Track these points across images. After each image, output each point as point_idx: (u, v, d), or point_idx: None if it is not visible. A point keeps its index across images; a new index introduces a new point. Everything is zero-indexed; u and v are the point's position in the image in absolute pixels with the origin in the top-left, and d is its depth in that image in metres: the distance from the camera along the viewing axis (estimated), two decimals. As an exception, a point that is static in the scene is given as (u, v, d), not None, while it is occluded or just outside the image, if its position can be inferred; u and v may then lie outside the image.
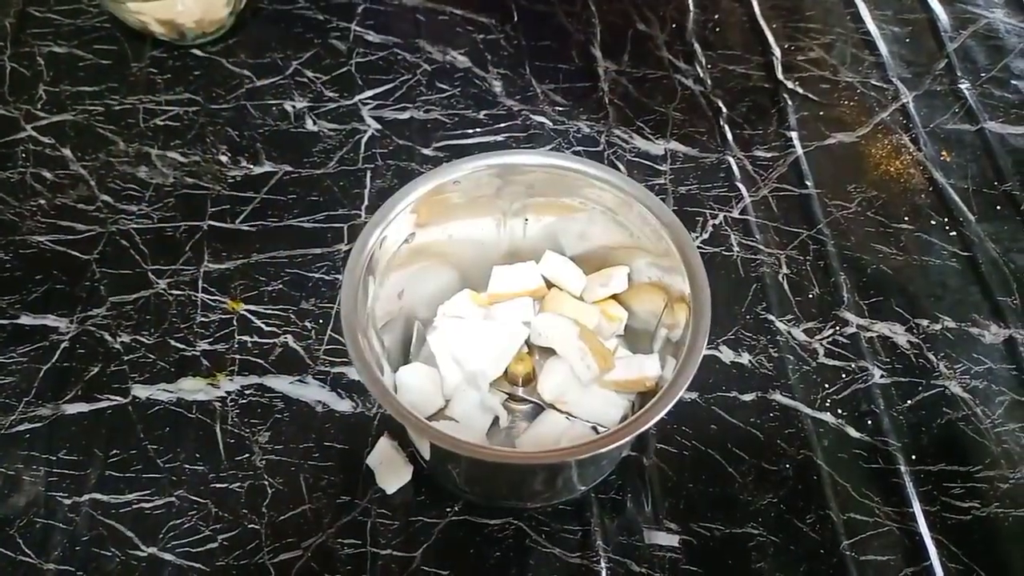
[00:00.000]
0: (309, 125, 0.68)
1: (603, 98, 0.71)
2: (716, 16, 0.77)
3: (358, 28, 0.75)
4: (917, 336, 0.59)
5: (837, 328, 0.59)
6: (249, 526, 0.50)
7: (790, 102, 0.71)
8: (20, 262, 0.60)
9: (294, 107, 0.69)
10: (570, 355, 0.47)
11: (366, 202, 0.64)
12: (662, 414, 0.39)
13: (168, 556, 0.49)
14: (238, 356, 0.56)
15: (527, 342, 0.51)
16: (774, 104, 0.71)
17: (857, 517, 0.51)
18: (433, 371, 0.49)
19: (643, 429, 0.38)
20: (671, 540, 0.50)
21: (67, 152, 0.66)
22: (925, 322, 0.59)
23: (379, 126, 0.68)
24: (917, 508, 0.52)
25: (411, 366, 0.49)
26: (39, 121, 0.68)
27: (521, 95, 0.71)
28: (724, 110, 0.71)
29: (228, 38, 0.74)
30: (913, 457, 0.54)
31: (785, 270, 0.62)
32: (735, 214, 0.64)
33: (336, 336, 0.57)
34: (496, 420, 0.49)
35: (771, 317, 0.59)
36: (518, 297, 0.51)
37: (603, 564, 0.49)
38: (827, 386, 0.56)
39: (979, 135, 0.70)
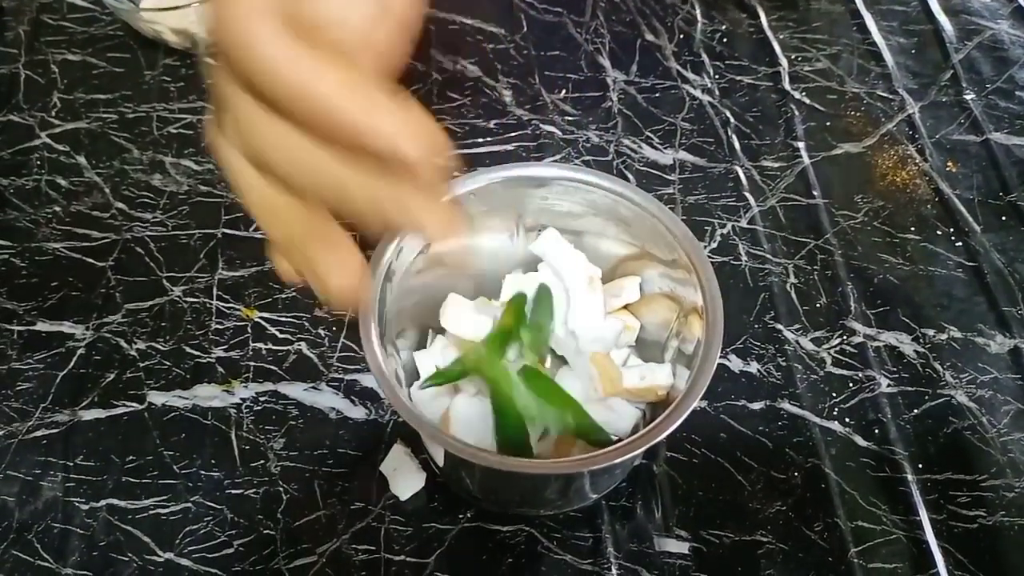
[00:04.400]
0: (321, 134, 0.69)
1: (612, 108, 0.72)
2: (724, 27, 0.78)
3: (369, 37, 0.76)
4: (923, 346, 0.60)
5: (844, 337, 0.60)
6: (264, 532, 0.51)
7: (797, 112, 0.72)
8: (36, 269, 0.61)
9: (306, 116, 0.70)
10: (580, 374, 0.48)
11: (378, 210, 0.64)
12: (677, 424, 0.39)
13: (184, 561, 0.50)
14: (253, 363, 0.57)
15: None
16: (781, 114, 0.72)
17: (865, 525, 0.52)
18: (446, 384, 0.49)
19: (659, 439, 0.39)
20: (681, 547, 0.51)
21: (82, 160, 0.67)
22: (931, 332, 0.60)
23: (390, 135, 0.69)
24: (924, 516, 0.52)
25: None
26: (53, 129, 0.69)
27: (531, 104, 0.72)
28: (732, 120, 0.71)
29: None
30: (920, 466, 0.54)
31: (793, 279, 0.62)
32: (743, 224, 0.65)
33: (349, 344, 0.58)
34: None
35: (779, 326, 0.60)
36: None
37: (614, 571, 0.50)
38: (835, 395, 0.57)
39: (984, 146, 0.71)
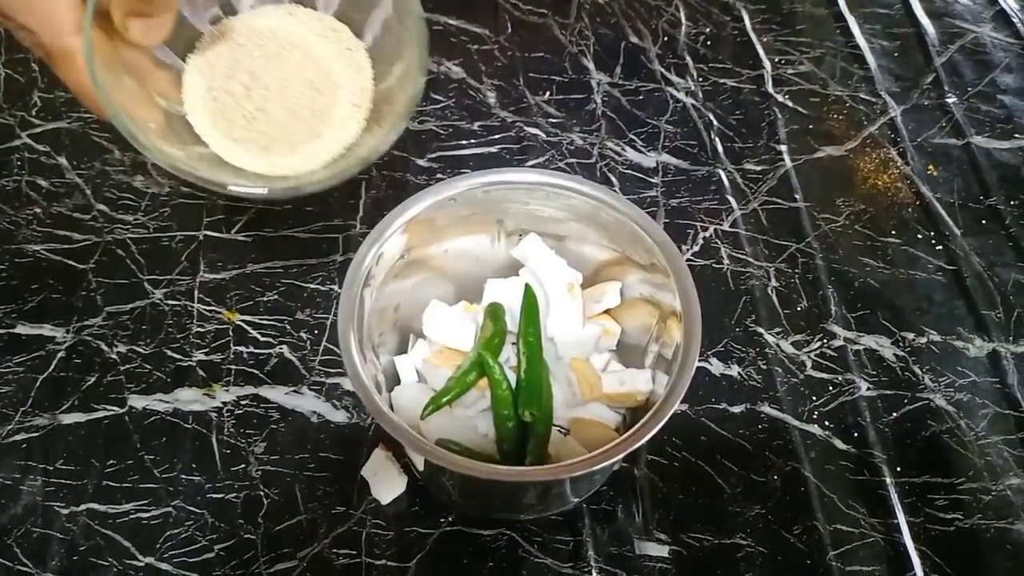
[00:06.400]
0: (304, 135, 0.69)
1: (596, 110, 0.72)
2: (708, 29, 0.78)
3: (353, 38, 0.75)
4: (903, 349, 0.60)
5: (825, 341, 0.60)
6: (245, 536, 0.51)
7: (780, 115, 0.72)
8: (16, 271, 0.60)
9: (289, 117, 0.70)
10: (559, 379, 0.48)
11: (361, 213, 0.64)
12: (655, 430, 0.40)
13: (165, 566, 0.50)
14: (234, 367, 0.57)
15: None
16: (764, 117, 0.72)
17: (843, 528, 0.53)
18: (426, 388, 0.49)
19: (637, 445, 0.39)
20: (661, 550, 0.51)
21: (62, 160, 0.66)
22: (911, 335, 0.61)
23: (374, 136, 0.69)
24: (902, 519, 0.53)
25: (405, 384, 0.50)
26: (34, 129, 0.68)
27: (515, 106, 0.72)
28: (715, 123, 0.71)
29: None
30: (898, 469, 0.55)
31: (774, 283, 0.63)
32: (725, 227, 0.65)
33: (331, 347, 0.58)
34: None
35: (760, 330, 0.60)
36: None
37: (594, 574, 0.50)
38: (815, 398, 0.57)
39: (965, 149, 0.71)
